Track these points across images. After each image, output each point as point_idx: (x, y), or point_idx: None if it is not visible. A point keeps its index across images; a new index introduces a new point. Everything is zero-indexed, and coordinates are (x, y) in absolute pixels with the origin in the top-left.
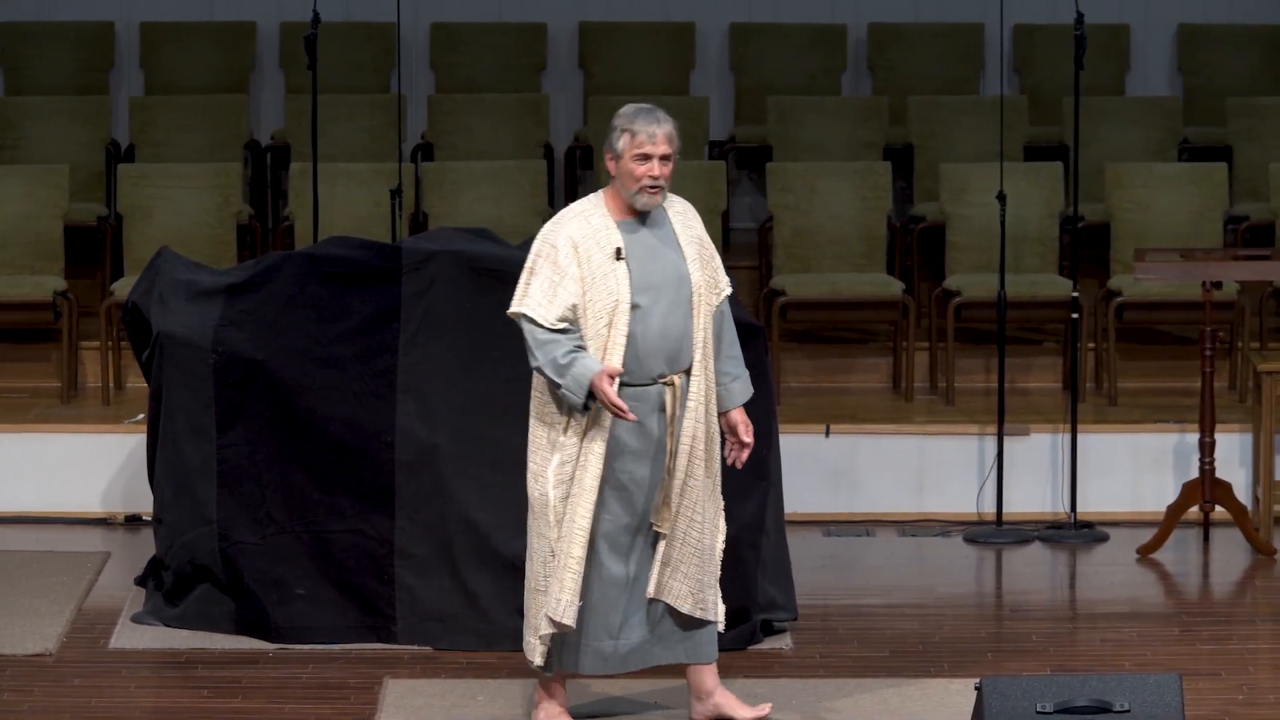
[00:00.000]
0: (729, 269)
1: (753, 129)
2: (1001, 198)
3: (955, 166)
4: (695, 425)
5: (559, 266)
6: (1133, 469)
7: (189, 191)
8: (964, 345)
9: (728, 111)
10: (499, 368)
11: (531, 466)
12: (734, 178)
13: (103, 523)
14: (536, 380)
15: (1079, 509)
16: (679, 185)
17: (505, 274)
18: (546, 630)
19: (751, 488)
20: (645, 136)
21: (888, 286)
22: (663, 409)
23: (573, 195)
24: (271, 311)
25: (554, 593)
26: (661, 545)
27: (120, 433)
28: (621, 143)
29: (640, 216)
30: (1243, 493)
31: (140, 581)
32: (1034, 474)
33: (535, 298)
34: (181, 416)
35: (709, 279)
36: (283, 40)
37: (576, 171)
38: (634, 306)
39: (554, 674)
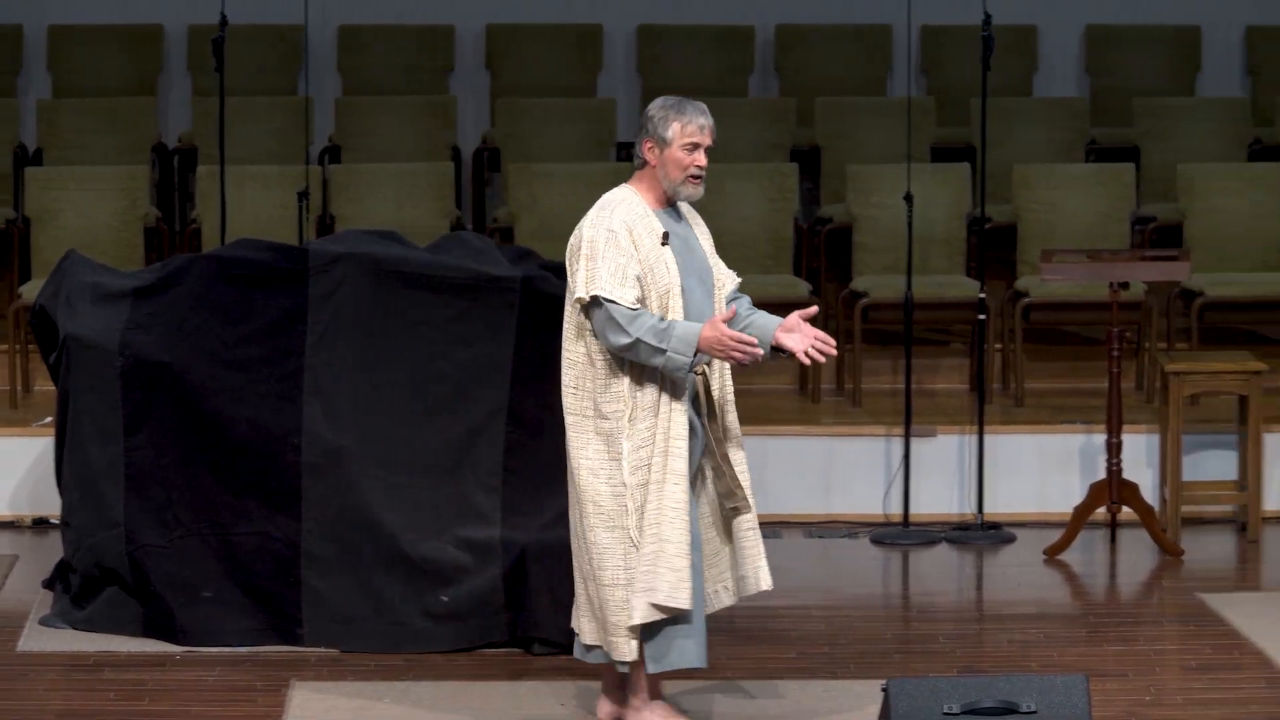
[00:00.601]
0: None
1: None
2: (909, 199)
3: (862, 168)
4: (727, 411)
5: (622, 248)
6: (1039, 470)
7: (96, 194)
8: (871, 346)
9: (635, 113)
10: (406, 369)
11: (586, 463)
12: None
13: (10, 525)
14: (575, 375)
15: (986, 510)
16: (586, 189)
17: (412, 276)
18: (645, 618)
19: None
20: (696, 127)
21: (794, 288)
22: (696, 398)
23: (480, 197)
24: (178, 314)
25: (665, 578)
26: (750, 537)
27: (28, 435)
28: (671, 131)
29: (671, 208)
30: (1150, 493)
31: (48, 584)
32: (941, 475)
33: (606, 279)
34: (88, 419)
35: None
36: (190, 43)
37: (484, 173)
38: (682, 290)
39: (645, 667)
